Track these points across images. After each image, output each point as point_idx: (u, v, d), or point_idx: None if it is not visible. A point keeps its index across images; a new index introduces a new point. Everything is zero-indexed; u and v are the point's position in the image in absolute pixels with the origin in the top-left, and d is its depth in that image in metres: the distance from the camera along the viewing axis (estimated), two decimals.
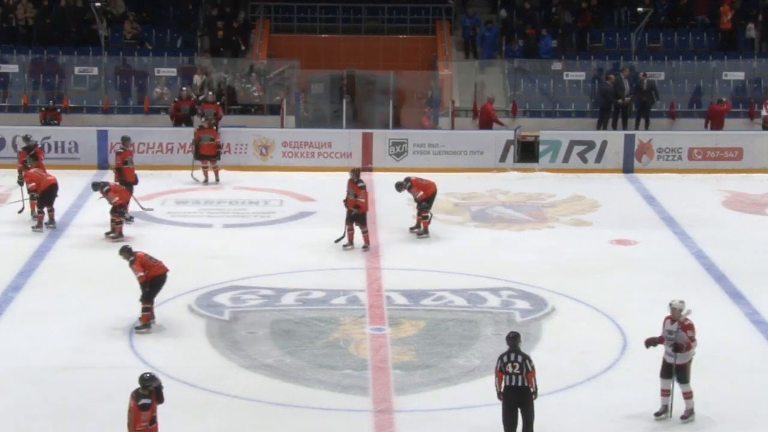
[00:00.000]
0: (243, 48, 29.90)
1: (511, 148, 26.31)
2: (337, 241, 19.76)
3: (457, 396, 14.07)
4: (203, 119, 25.19)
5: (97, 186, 20.63)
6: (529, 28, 30.37)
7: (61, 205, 22.56)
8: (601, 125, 27.86)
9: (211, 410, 13.54)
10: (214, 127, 24.89)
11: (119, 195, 20.40)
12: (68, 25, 29.98)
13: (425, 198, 20.63)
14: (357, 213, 19.54)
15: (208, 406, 13.69)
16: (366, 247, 19.63)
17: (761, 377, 14.81)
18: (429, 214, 20.66)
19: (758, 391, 14.37)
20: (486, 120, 27.19)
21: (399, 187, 20.77)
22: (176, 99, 27.15)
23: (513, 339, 12.54)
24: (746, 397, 14.14)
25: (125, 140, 22.45)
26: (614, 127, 27.85)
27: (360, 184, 19.54)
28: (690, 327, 13.34)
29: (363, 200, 19.44)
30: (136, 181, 21.91)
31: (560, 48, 30.08)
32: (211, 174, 24.71)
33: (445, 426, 13.28)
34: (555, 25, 30.63)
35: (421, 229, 20.69)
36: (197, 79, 28.44)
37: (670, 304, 13.42)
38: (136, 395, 11.56)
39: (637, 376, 14.66)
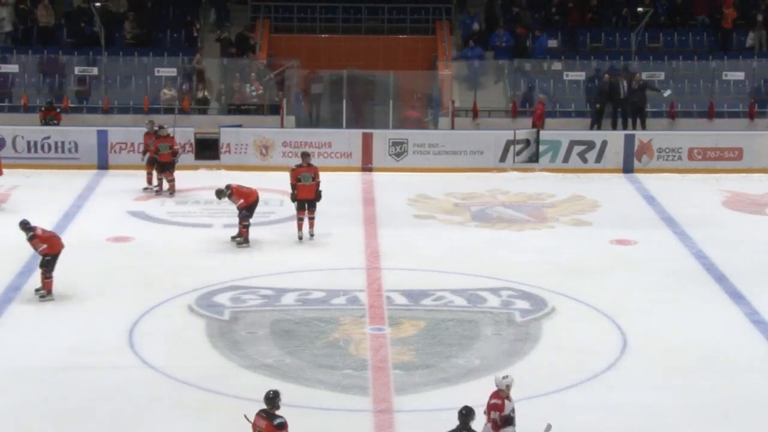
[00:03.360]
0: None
1: (511, 148, 26.33)
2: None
3: (457, 396, 14.03)
4: (159, 129, 23.79)
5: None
6: (520, 28, 30.41)
7: (60, 205, 22.62)
8: (595, 125, 27.87)
9: (211, 410, 13.54)
10: (171, 136, 23.92)
11: (48, 243, 17.20)
12: (80, 26, 30.05)
13: (246, 206, 19.99)
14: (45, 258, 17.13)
15: (208, 406, 13.68)
16: (44, 296, 17.09)
17: (761, 377, 14.81)
18: (248, 223, 20.09)
19: (758, 391, 14.36)
20: (539, 120, 27.24)
21: (219, 194, 20.15)
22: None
23: (466, 416, 11.09)
24: (746, 397, 14.13)
25: (305, 156, 20.80)
26: (613, 128, 27.85)
27: (29, 235, 17.06)
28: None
29: (45, 246, 17.00)
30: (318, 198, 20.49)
31: (558, 48, 30.16)
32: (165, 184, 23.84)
33: (445, 426, 13.19)
34: (554, 26, 30.69)
35: (241, 238, 20.09)
36: (199, 94, 28.50)
37: (505, 384, 11.76)
38: (267, 415, 11.16)
39: (637, 376, 14.69)
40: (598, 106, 27.87)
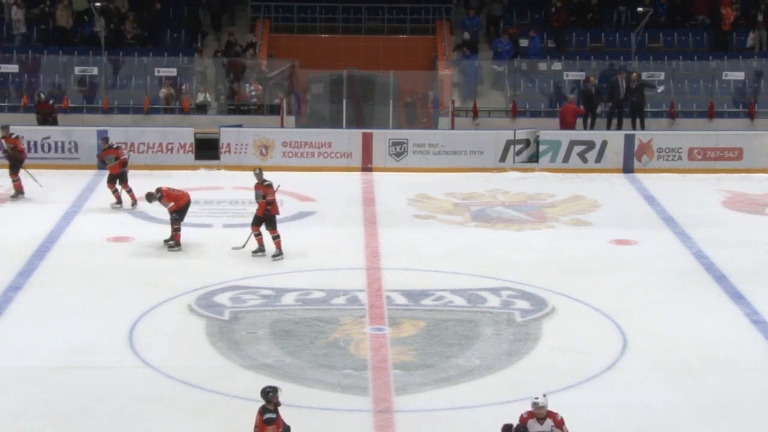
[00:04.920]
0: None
1: (511, 148, 26.34)
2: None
3: (457, 396, 14.07)
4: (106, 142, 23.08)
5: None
6: (513, 28, 30.45)
7: (60, 205, 22.60)
8: (586, 125, 27.88)
9: (211, 410, 13.54)
10: (116, 147, 23.03)
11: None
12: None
13: (176, 209, 19.73)
14: None
15: (208, 406, 13.69)
16: None
17: (761, 377, 14.80)
18: (179, 226, 19.76)
19: (758, 391, 14.36)
20: (570, 120, 27.23)
21: (149, 197, 19.84)
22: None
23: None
24: (746, 397, 14.13)
25: (256, 173, 19.82)
26: (609, 127, 27.85)
27: None
28: (563, 422, 11.64)
29: None
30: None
31: (558, 48, 30.21)
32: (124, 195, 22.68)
33: (445, 426, 13.28)
34: (551, 26, 30.73)
35: (173, 242, 19.82)
36: (200, 97, 28.49)
37: (537, 403, 11.53)
38: (263, 410, 11.44)
39: (637, 376, 14.67)
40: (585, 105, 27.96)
